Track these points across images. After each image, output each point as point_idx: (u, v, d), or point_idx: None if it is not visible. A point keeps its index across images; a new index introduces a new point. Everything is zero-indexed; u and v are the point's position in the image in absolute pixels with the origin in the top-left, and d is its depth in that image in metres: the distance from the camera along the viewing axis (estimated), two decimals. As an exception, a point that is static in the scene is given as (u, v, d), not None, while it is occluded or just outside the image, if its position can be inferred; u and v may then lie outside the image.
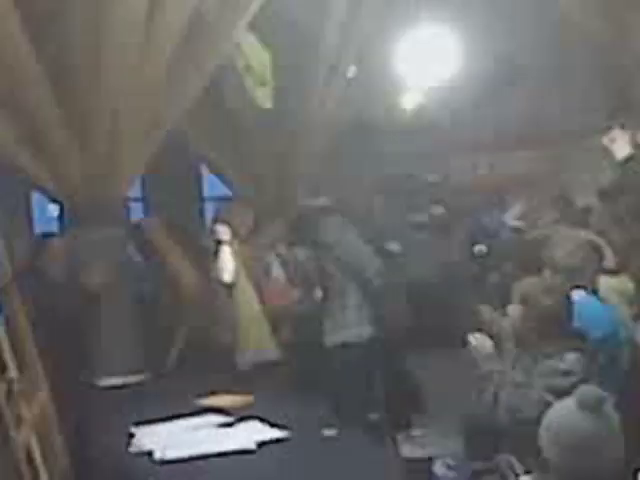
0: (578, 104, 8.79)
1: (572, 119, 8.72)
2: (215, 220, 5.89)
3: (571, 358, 3.44)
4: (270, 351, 5.70)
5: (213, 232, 5.68)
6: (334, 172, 9.10)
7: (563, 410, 2.50)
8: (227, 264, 5.54)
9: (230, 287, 5.59)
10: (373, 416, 5.83)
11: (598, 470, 2.42)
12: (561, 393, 3.19)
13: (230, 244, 5.60)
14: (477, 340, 3.90)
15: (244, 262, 5.73)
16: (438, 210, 8.62)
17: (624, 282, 4.66)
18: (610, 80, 8.52)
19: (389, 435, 3.13)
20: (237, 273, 5.60)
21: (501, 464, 3.15)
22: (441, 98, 8.53)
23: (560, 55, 8.89)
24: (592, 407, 2.43)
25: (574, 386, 2.69)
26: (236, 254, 5.64)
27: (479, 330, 3.98)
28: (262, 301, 5.86)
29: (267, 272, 6.33)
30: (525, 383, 3.46)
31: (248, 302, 5.74)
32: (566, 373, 3.43)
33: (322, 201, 6.52)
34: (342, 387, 5.29)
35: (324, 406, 4.55)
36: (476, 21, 8.32)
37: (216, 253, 5.65)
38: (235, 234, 5.71)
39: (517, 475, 3.05)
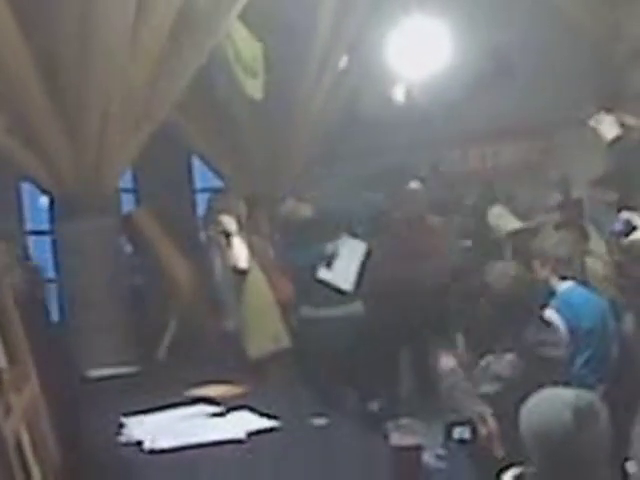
0: (570, 96, 8.79)
1: (564, 111, 8.72)
2: (217, 211, 5.74)
3: (508, 360, 3.42)
4: (282, 340, 5.71)
5: (218, 224, 5.58)
6: (325, 164, 9.10)
7: (554, 418, 2.38)
8: (241, 251, 5.52)
9: (245, 273, 5.57)
10: (373, 405, 5.91)
11: (584, 466, 2.36)
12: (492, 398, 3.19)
13: (238, 233, 5.55)
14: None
15: (252, 251, 5.67)
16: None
17: (608, 264, 4.69)
18: (601, 72, 8.53)
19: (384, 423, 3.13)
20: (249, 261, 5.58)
21: (473, 416, 3.13)
22: (433, 90, 8.53)
23: (552, 47, 8.89)
24: (588, 418, 2.35)
25: (500, 394, 2.60)
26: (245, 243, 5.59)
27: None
28: (275, 290, 5.85)
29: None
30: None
31: (259, 291, 5.73)
32: (497, 378, 3.40)
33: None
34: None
35: (316, 395, 4.55)
36: (468, 13, 8.32)
37: (215, 245, 5.61)
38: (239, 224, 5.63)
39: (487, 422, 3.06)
